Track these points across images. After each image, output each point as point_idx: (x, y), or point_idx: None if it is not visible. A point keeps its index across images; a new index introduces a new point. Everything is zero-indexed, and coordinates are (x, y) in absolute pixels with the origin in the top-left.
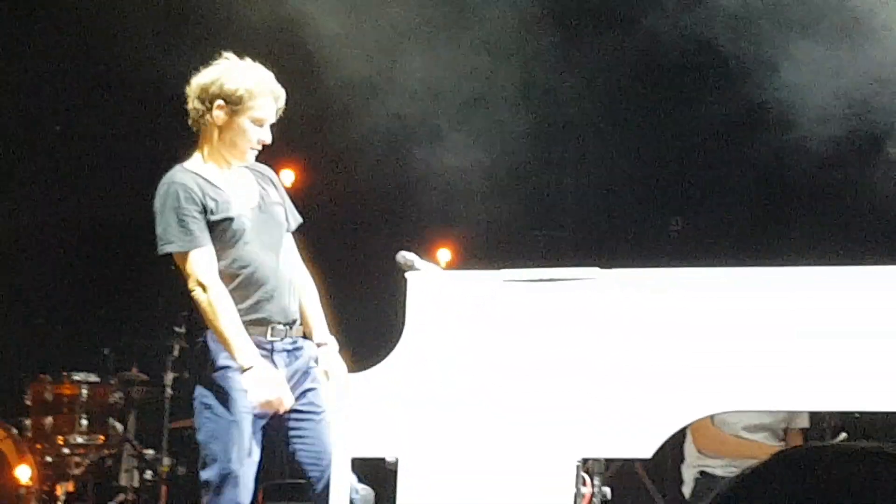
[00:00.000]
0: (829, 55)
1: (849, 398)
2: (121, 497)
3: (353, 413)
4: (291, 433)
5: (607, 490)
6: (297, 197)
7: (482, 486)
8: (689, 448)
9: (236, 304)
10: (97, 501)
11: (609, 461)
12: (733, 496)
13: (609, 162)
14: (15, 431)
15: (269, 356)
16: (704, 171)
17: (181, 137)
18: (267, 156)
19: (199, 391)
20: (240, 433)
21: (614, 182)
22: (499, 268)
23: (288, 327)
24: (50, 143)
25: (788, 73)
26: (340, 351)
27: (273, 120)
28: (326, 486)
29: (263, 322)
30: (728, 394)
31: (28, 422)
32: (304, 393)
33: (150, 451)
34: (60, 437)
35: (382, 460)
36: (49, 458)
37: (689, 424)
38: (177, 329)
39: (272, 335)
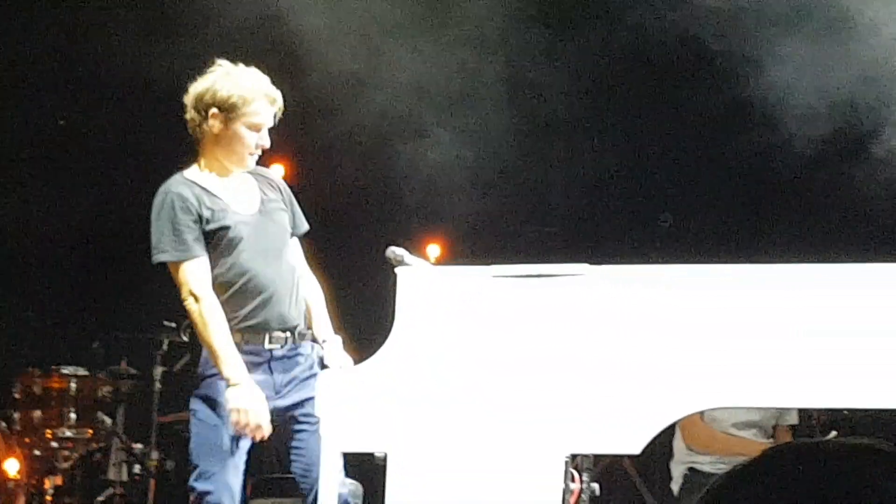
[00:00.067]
0: (817, 52)
1: (838, 395)
2: (109, 491)
3: (342, 408)
4: (292, 454)
5: (596, 486)
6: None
7: (471, 481)
8: (678, 444)
9: (234, 311)
10: (85, 495)
11: (598, 457)
12: (724, 492)
13: (598, 158)
14: (3, 425)
15: (268, 363)
16: (693, 167)
17: (168, 132)
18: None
19: (191, 399)
20: (224, 440)
21: (603, 178)
22: (488, 263)
23: (288, 334)
24: (38, 138)
25: (777, 69)
26: (347, 349)
27: (271, 124)
28: (316, 497)
29: (261, 330)
30: (717, 390)
31: (16, 415)
32: (301, 403)
33: (139, 446)
34: (49, 431)
35: (371, 455)
36: (37, 452)
37: (678, 421)
38: (166, 323)
39: (270, 343)
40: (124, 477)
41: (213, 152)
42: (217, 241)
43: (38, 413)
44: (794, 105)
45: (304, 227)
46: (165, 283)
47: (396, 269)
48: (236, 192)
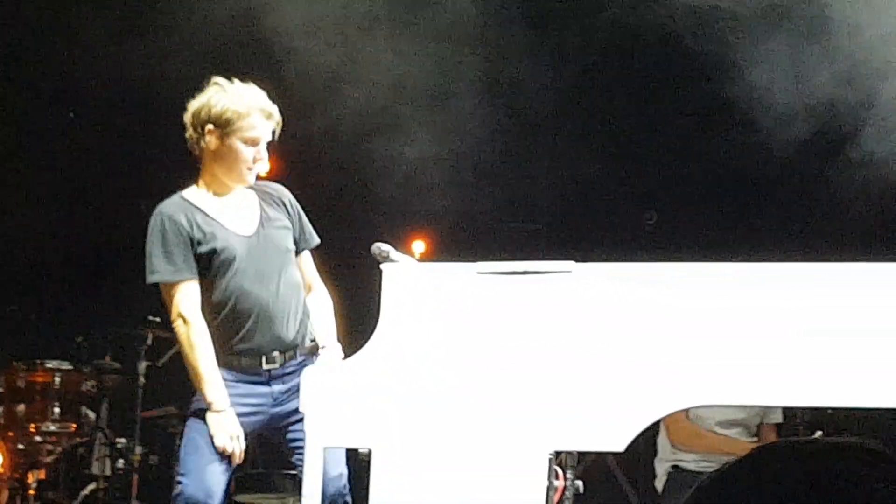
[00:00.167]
0: (802, 49)
1: (824, 394)
2: (92, 485)
3: (326, 404)
4: (291, 445)
5: (580, 483)
6: None
7: (455, 478)
8: (663, 442)
9: (228, 333)
10: (69, 489)
11: (582, 454)
12: (713, 490)
13: (583, 155)
14: None
15: (267, 384)
16: (678, 164)
17: (150, 129)
18: None
19: (190, 418)
20: (209, 446)
21: (589, 175)
22: (473, 260)
23: (287, 354)
24: (25, 134)
25: (762, 67)
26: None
27: (268, 138)
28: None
29: (256, 352)
30: (702, 388)
31: (0, 409)
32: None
33: (123, 440)
34: (32, 425)
35: (356, 451)
36: (21, 446)
37: (663, 418)
38: (150, 318)
39: (268, 363)
40: (108, 471)
41: (211, 169)
42: (209, 263)
43: (21, 407)
44: (779, 103)
45: (314, 241)
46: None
47: (382, 266)
48: (234, 211)
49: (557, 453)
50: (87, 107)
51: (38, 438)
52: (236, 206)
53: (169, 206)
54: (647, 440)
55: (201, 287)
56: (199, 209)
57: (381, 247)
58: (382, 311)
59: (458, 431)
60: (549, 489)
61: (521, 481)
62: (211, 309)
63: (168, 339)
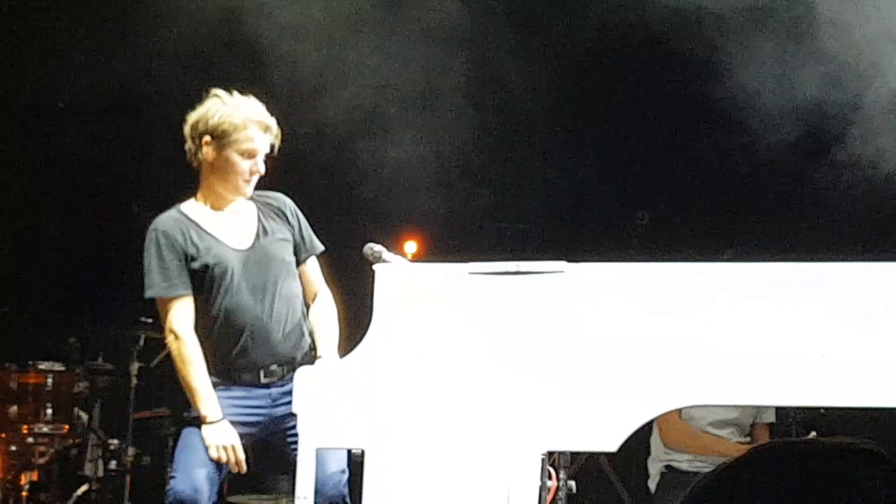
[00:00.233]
0: (793, 49)
1: (816, 394)
2: (85, 487)
3: (319, 404)
4: (294, 448)
5: (573, 483)
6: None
7: (448, 478)
8: (656, 442)
9: (222, 348)
10: (61, 491)
11: (574, 454)
12: (709, 491)
13: (576, 155)
14: None
15: (268, 397)
16: (670, 164)
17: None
18: None
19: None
20: (203, 447)
21: (581, 175)
22: (465, 261)
23: (285, 368)
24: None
25: (757, 66)
26: None
27: (266, 150)
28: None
29: (253, 367)
30: (695, 388)
31: None
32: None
33: (115, 441)
34: (25, 427)
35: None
36: (13, 447)
37: (655, 418)
38: (143, 319)
39: (266, 377)
40: (101, 472)
41: (209, 181)
42: (203, 278)
43: (14, 408)
44: (771, 103)
45: (318, 248)
46: (142, 279)
47: (374, 266)
48: (230, 225)
49: (550, 453)
50: (76, 109)
51: (30, 440)
52: (233, 220)
53: (164, 221)
54: (639, 440)
55: (196, 302)
56: (194, 223)
57: (373, 247)
58: (375, 312)
59: (450, 432)
60: (541, 489)
61: (514, 481)
62: (205, 324)
63: (160, 340)
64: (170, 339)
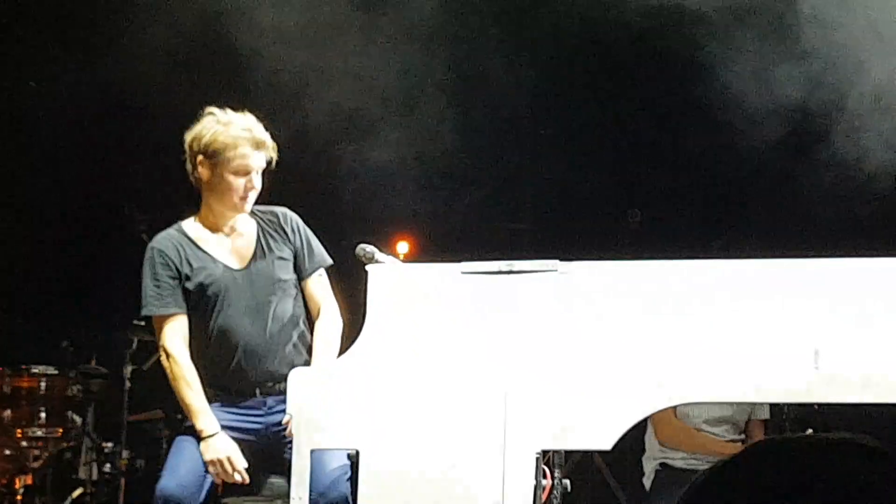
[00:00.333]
0: (785, 46)
1: (810, 390)
2: (79, 490)
3: (313, 405)
4: (288, 450)
5: (567, 482)
6: None
7: (442, 477)
8: (650, 440)
9: (216, 366)
10: (56, 494)
11: (569, 453)
12: (707, 488)
13: (568, 153)
14: None
15: (263, 405)
16: (664, 163)
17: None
18: None
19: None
20: (193, 451)
21: (573, 174)
22: (457, 260)
23: (280, 386)
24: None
25: (751, 64)
26: None
27: (260, 167)
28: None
29: (247, 385)
30: (689, 386)
31: None
32: None
33: (109, 444)
34: (19, 430)
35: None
36: (7, 451)
37: (650, 416)
38: (136, 322)
39: (261, 394)
40: (95, 476)
41: (207, 200)
42: (198, 297)
43: (7, 412)
44: (764, 102)
45: (325, 262)
46: (135, 282)
47: (367, 267)
48: (228, 244)
49: (545, 452)
50: (66, 114)
51: (24, 444)
52: (232, 238)
53: (161, 240)
54: (634, 438)
55: (191, 320)
56: (192, 242)
57: (365, 248)
58: (368, 312)
59: (444, 431)
60: (536, 488)
61: (508, 480)
62: (200, 342)
63: (153, 343)
64: (162, 357)
